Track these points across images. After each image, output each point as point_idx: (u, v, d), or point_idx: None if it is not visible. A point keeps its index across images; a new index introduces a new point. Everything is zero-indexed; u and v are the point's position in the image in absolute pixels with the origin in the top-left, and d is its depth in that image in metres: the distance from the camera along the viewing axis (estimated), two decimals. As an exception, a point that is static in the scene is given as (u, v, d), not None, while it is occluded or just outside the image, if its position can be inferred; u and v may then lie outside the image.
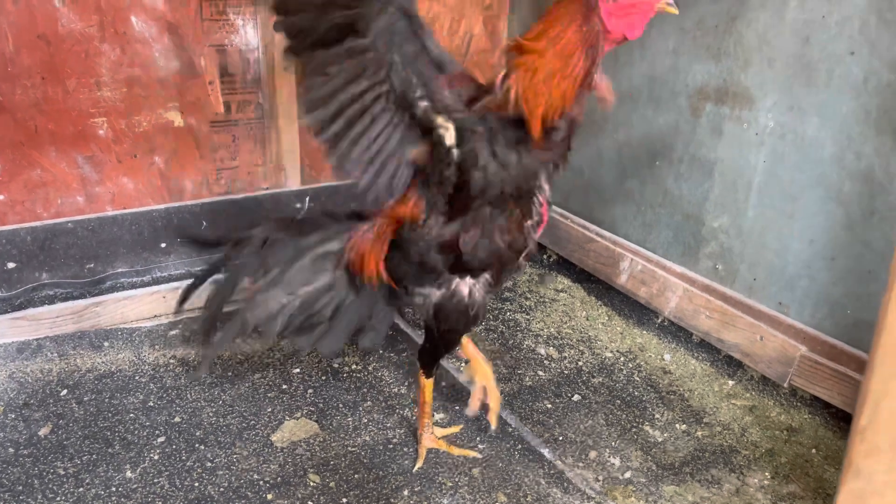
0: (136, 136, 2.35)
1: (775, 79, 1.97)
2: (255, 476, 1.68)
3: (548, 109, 1.36)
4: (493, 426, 1.78)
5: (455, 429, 1.88)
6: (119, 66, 2.25)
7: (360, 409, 1.94)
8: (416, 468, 1.73)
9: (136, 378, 2.02)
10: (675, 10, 1.33)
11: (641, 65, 2.37)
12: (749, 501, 1.67)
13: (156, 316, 2.32)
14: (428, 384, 1.73)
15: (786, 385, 2.02)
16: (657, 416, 1.97)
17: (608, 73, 2.39)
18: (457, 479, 1.70)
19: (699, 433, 1.90)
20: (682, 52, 2.23)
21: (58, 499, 1.58)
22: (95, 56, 2.20)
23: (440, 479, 1.70)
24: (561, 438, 1.86)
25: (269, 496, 1.62)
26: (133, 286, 2.36)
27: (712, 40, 2.12)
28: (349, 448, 1.79)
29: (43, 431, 1.79)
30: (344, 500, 1.62)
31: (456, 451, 1.80)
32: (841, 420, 1.90)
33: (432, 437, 1.80)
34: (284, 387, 2.01)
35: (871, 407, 0.46)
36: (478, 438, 1.85)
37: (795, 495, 1.69)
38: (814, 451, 1.84)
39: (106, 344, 2.16)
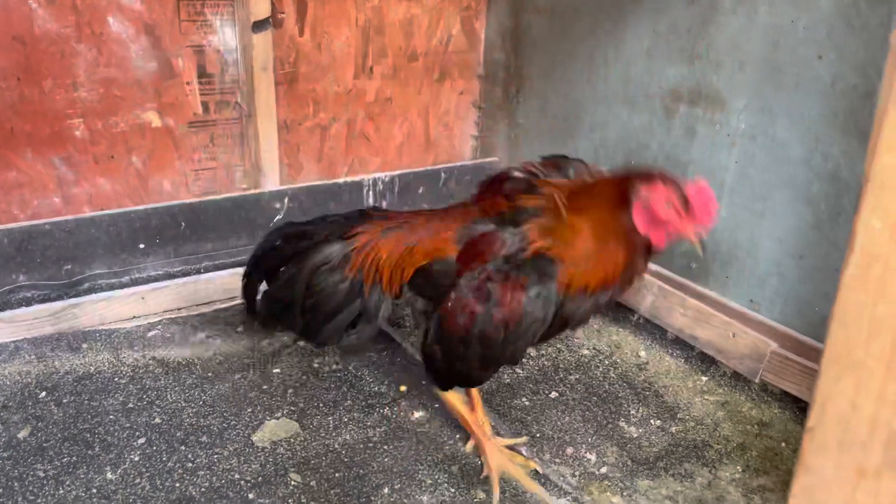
0: (114, 137, 2.35)
1: (746, 81, 2.02)
2: (237, 476, 1.70)
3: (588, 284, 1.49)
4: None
5: (523, 439, 1.81)
6: (96, 67, 2.24)
7: (341, 408, 1.95)
8: (495, 501, 1.62)
9: (116, 379, 2.02)
10: (700, 252, 1.43)
11: (616, 67, 2.41)
12: (721, 494, 1.71)
13: (134, 317, 2.32)
14: (451, 394, 1.70)
15: (757, 381, 2.07)
16: (632, 412, 2.01)
17: (584, 74, 2.44)
18: (437, 476, 1.73)
19: (673, 428, 1.95)
20: (656, 55, 2.27)
21: (38, 501, 1.58)
22: (72, 57, 2.19)
23: (420, 475, 1.73)
24: (538, 435, 1.90)
25: (251, 496, 1.64)
26: (111, 287, 2.35)
27: (685, 43, 2.17)
28: (330, 447, 1.81)
29: (22, 434, 1.79)
30: (325, 498, 1.64)
31: (530, 485, 1.69)
32: (810, 414, 1.95)
33: (498, 455, 1.70)
34: (265, 387, 2.03)
35: (818, 408, 0.49)
36: (457, 435, 1.88)
37: (766, 488, 1.74)
38: (783, 444, 1.89)
39: (84, 345, 2.16)
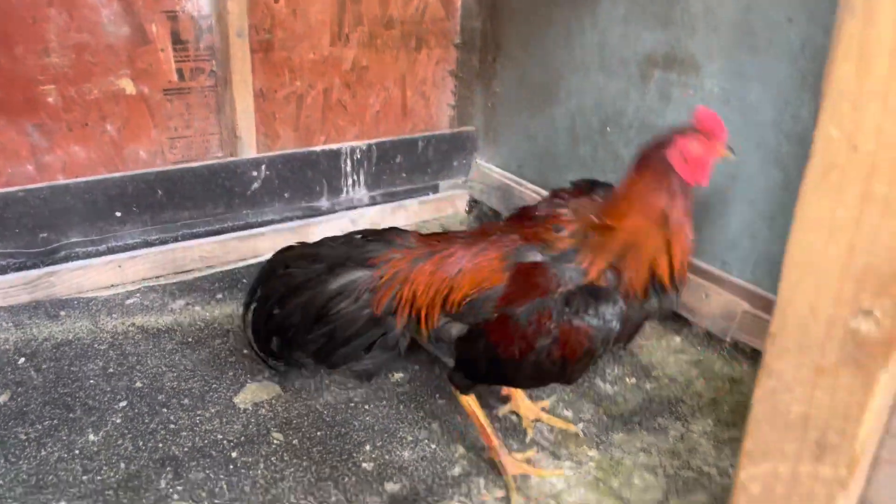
0: (87, 104, 2.32)
1: (719, 46, 2.05)
2: (219, 436, 1.72)
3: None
4: None
5: (531, 453, 1.72)
6: (67, 32, 2.21)
7: (322, 370, 1.97)
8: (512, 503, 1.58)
9: (95, 346, 2.02)
10: (733, 158, 1.53)
11: (593, 33, 2.43)
12: (692, 446, 1.77)
13: (112, 285, 2.31)
14: (471, 401, 1.64)
15: (728, 339, 2.13)
16: (608, 371, 2.06)
17: (560, 41, 2.46)
18: (417, 434, 1.76)
19: (647, 386, 2.00)
20: (631, 21, 2.29)
21: (20, 462, 1.59)
22: (43, 22, 2.16)
23: (401, 433, 1.76)
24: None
25: (234, 454, 1.66)
26: (88, 256, 2.34)
27: (660, 8, 2.19)
28: (311, 407, 1.83)
29: (2, 399, 1.79)
30: (307, 456, 1.67)
31: (546, 473, 1.66)
32: (779, 370, 2.02)
33: (513, 460, 1.64)
34: (245, 351, 2.04)
35: (780, 313, 0.52)
36: (437, 395, 1.91)
37: (736, 439, 1.79)
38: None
39: (62, 313, 2.15)
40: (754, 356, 2.08)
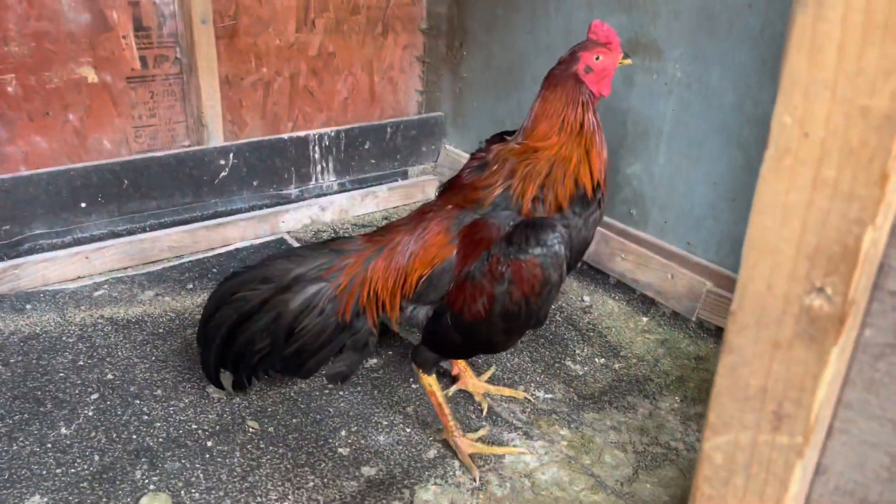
0: (48, 93, 2.28)
1: (681, 30, 2.09)
2: (194, 426, 1.72)
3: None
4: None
5: (483, 431, 1.75)
6: (26, 20, 2.16)
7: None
8: (477, 482, 1.60)
9: (64, 339, 2.00)
10: (630, 62, 1.65)
11: (558, 19, 2.45)
12: (661, 423, 1.82)
13: (79, 277, 2.28)
14: (433, 381, 1.66)
15: (694, 318, 2.19)
16: (578, 352, 2.10)
17: (526, 25, 2.48)
18: (392, 418, 1.78)
19: (616, 365, 2.04)
20: (596, 6, 2.31)
21: (-9, 458, 1.58)
22: (1, 10, 2.11)
23: (376, 418, 1.78)
24: (490, 377, 1.97)
25: (209, 443, 1.66)
26: (53, 247, 2.31)
27: (623, -7, 2.22)
28: (286, 395, 1.84)
29: (-31, 394, 1.77)
30: (283, 443, 1.68)
31: (500, 450, 1.68)
32: (742, 347, 2.08)
33: (467, 441, 1.67)
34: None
35: (740, 292, 0.55)
36: (411, 379, 1.93)
37: (701, 415, 1.85)
38: (718, 376, 2.00)
39: (28, 306, 2.12)
40: (718, 334, 2.14)
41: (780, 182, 0.50)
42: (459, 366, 1.88)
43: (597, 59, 1.58)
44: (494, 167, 1.60)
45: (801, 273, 0.51)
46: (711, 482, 0.61)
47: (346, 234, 2.72)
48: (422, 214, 1.65)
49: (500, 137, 1.75)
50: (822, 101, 0.47)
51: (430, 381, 1.66)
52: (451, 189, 1.70)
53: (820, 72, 0.46)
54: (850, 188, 0.47)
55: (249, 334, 1.60)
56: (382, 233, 1.67)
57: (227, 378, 1.72)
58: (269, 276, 1.60)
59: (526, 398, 1.88)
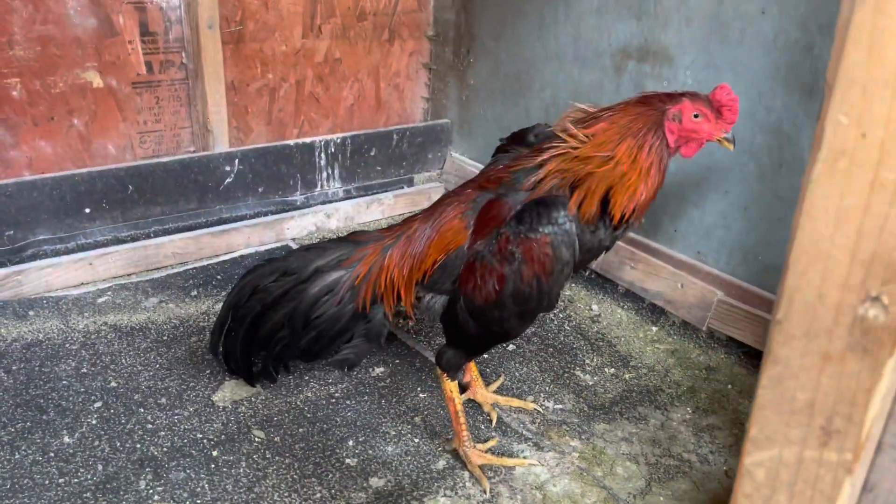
0: (53, 98, 2.26)
1: (692, 37, 2.07)
2: (199, 435, 1.69)
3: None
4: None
5: (493, 441, 1.72)
6: (32, 24, 2.15)
7: (301, 367, 1.95)
8: (488, 494, 1.57)
9: (67, 346, 1.97)
10: (731, 147, 1.49)
11: (566, 25, 2.44)
12: (673, 434, 1.79)
13: (83, 283, 2.26)
14: (454, 388, 1.63)
15: (704, 328, 2.16)
16: (587, 361, 2.07)
17: (534, 32, 2.47)
18: (400, 428, 1.75)
19: (626, 376, 2.02)
20: (605, 12, 2.30)
21: (-7, 467, 1.55)
22: (6, 14, 2.09)
23: (384, 428, 1.75)
24: (499, 387, 1.94)
25: (215, 453, 1.64)
26: (57, 253, 2.28)
27: (634, 0, 2.20)
28: (292, 404, 1.82)
29: (-30, 402, 1.74)
30: (290, 453, 1.65)
31: (510, 461, 1.65)
32: (753, 358, 2.05)
33: (477, 451, 1.64)
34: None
35: (786, 300, 0.52)
36: (418, 388, 1.90)
37: (714, 426, 1.82)
38: (730, 386, 1.98)
39: (31, 313, 2.09)
40: (729, 344, 2.11)
41: (833, 185, 0.48)
42: (471, 374, 1.85)
43: (696, 116, 1.45)
44: (531, 153, 1.55)
45: (856, 281, 0.48)
46: (752, 499, 0.58)
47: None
48: (440, 202, 1.64)
49: (516, 137, 1.71)
50: (882, 99, 0.44)
51: (453, 387, 1.63)
52: (477, 178, 1.66)
53: (880, 68, 0.44)
54: (910, 192, 0.45)
55: (272, 324, 1.62)
56: (402, 223, 1.66)
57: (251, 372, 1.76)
58: (290, 268, 1.63)
59: (535, 409, 1.85)
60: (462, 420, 1.63)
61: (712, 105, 1.45)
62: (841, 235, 0.48)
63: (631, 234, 2.38)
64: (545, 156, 1.50)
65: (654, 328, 2.24)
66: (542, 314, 1.70)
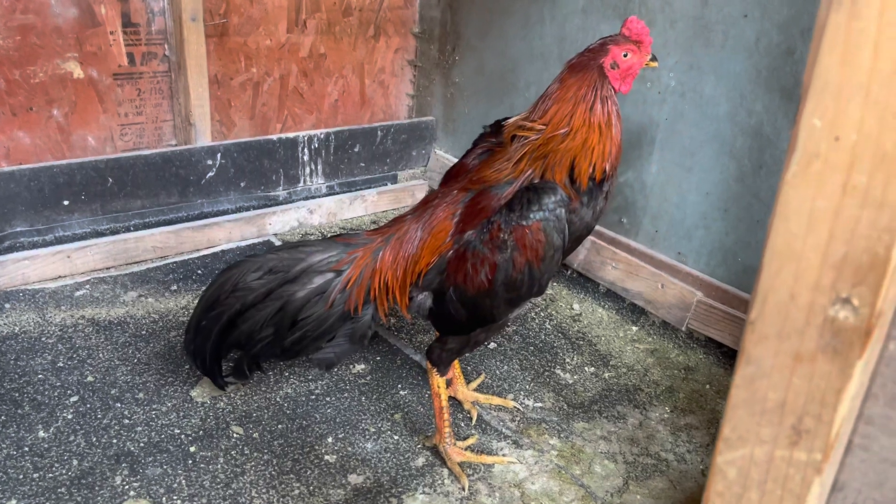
0: (32, 88, 2.23)
1: (677, 39, 2.08)
2: (177, 430, 1.68)
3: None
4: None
5: (472, 439, 1.73)
6: (12, 13, 2.12)
7: (281, 362, 1.95)
8: (466, 491, 1.57)
9: (43, 339, 1.95)
10: (656, 65, 1.59)
11: (552, 25, 2.44)
12: (651, 433, 1.80)
13: (60, 276, 2.23)
14: (443, 384, 1.64)
15: (683, 328, 2.18)
16: (568, 360, 2.08)
17: (520, 31, 2.47)
18: (380, 425, 1.75)
19: (606, 375, 2.03)
20: (590, 12, 2.31)
21: (-35, 461, 1.53)
22: (-16, 0, 2.06)
23: (364, 424, 1.75)
24: (480, 384, 1.94)
25: (192, 448, 1.62)
26: (34, 246, 2.26)
27: (619, 1, 2.21)
28: (272, 400, 1.81)
29: (-57, 395, 1.71)
30: (268, 449, 1.64)
31: (489, 459, 1.67)
32: (731, 358, 2.07)
33: (457, 449, 1.65)
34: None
35: (760, 301, 0.53)
36: (399, 385, 1.90)
37: (692, 426, 1.84)
38: (708, 386, 1.99)
39: (7, 305, 2.07)
40: (708, 345, 2.13)
41: (806, 188, 0.48)
42: (453, 371, 1.85)
43: (625, 55, 1.52)
44: (504, 150, 1.57)
45: (827, 283, 0.49)
46: (724, 497, 0.59)
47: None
48: (427, 203, 1.63)
49: (499, 125, 1.72)
50: (855, 103, 0.45)
51: (441, 382, 1.63)
52: (456, 176, 1.67)
53: (853, 73, 0.44)
54: (881, 195, 0.46)
55: (252, 323, 1.57)
56: (389, 225, 1.65)
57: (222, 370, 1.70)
58: (276, 266, 1.59)
59: (515, 407, 1.86)
60: (446, 416, 1.63)
61: (630, 39, 1.54)
62: (813, 237, 0.49)
63: (613, 234, 2.39)
64: (516, 156, 1.53)
65: (635, 328, 2.26)
66: (529, 302, 1.70)
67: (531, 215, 1.42)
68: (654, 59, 1.58)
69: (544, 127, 1.51)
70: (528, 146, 1.52)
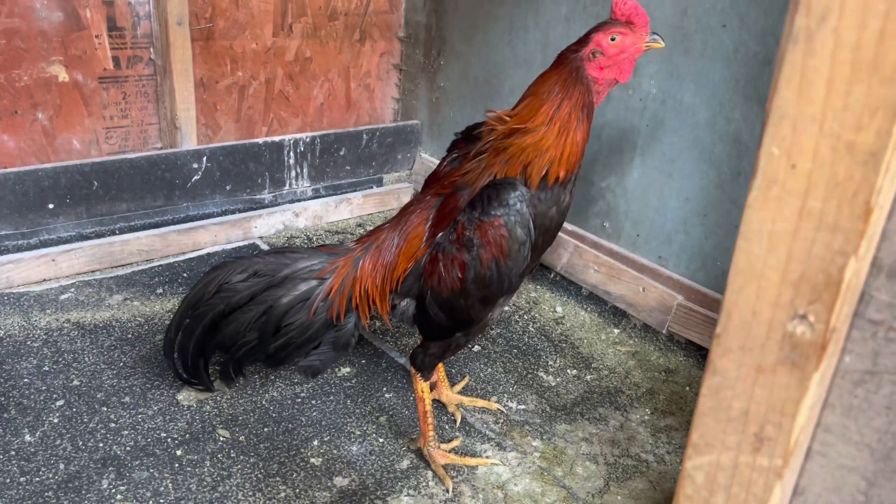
0: (17, 91, 2.23)
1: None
2: (163, 434, 1.69)
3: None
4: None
5: (456, 441, 1.76)
6: (-4, 16, 2.12)
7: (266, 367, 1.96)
8: (450, 493, 1.60)
9: (28, 343, 1.95)
10: (661, 45, 1.48)
11: (536, 31, 2.47)
12: (632, 435, 1.84)
13: (45, 280, 2.24)
14: (426, 388, 1.66)
15: (664, 331, 2.22)
16: (550, 363, 2.11)
17: (504, 37, 2.49)
18: (365, 428, 1.78)
19: (588, 377, 2.06)
20: (573, 20, 2.34)
21: (-49, 466, 1.53)
22: (-31, 4, 2.06)
23: (349, 427, 1.77)
24: (463, 387, 1.97)
25: (179, 452, 1.64)
26: (19, 249, 2.26)
27: (601, 9, 2.24)
28: (258, 403, 1.82)
29: (-72, 400, 1.72)
30: (254, 452, 1.66)
31: (473, 461, 1.69)
32: (711, 360, 2.11)
33: (441, 451, 1.68)
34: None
35: (725, 316, 0.56)
36: (384, 388, 1.93)
37: (672, 427, 1.87)
38: (688, 388, 2.03)
39: (-8, 309, 2.07)
40: (688, 347, 2.17)
41: (766, 211, 0.51)
42: (437, 374, 1.87)
43: (612, 39, 1.44)
44: (475, 153, 1.57)
45: (786, 300, 0.52)
46: (693, 500, 0.62)
47: (321, 242, 2.71)
48: (404, 211, 1.66)
49: (468, 132, 1.72)
50: (810, 134, 0.48)
51: (425, 387, 1.66)
52: (431, 183, 1.70)
53: (808, 106, 0.47)
54: (834, 220, 0.49)
55: (237, 325, 1.59)
56: (369, 234, 1.68)
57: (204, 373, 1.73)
58: (262, 270, 1.61)
59: (499, 409, 1.89)
60: (430, 420, 1.66)
61: (620, 21, 1.46)
62: (773, 257, 0.52)
63: (595, 238, 2.43)
64: (482, 153, 1.54)
65: (616, 330, 2.29)
66: (507, 304, 1.72)
67: (492, 212, 1.44)
68: (655, 37, 1.47)
69: (508, 118, 1.50)
70: (491, 142, 1.52)
